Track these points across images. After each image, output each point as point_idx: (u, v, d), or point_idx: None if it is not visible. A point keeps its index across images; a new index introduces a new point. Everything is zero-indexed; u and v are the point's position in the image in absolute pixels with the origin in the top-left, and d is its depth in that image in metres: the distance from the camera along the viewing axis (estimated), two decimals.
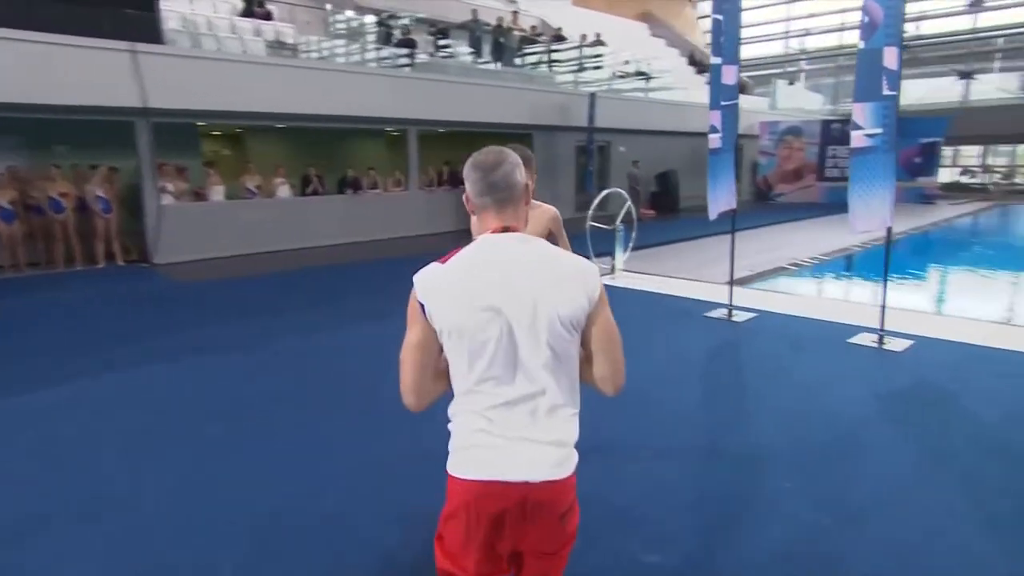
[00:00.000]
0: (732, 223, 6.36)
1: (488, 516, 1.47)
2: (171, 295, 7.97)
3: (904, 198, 19.98)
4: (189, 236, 10.43)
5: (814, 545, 2.74)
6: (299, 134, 13.29)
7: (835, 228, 13.78)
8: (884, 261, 5.48)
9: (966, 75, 23.08)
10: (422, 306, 1.47)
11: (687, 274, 8.76)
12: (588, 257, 7.99)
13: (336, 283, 8.60)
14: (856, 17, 5.35)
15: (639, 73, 20.11)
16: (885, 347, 5.30)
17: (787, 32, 29.13)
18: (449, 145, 15.30)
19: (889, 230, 5.20)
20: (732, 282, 6.60)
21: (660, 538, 2.77)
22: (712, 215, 6.19)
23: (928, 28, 25.73)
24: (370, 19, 15.34)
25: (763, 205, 20.36)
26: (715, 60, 5.86)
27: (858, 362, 5.06)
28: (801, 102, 26.13)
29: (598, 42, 18.82)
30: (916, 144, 19.01)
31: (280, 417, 4.14)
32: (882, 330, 5.41)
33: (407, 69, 13.79)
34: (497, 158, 1.54)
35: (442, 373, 1.57)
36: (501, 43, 16.05)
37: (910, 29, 26.05)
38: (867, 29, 4.70)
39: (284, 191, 12.03)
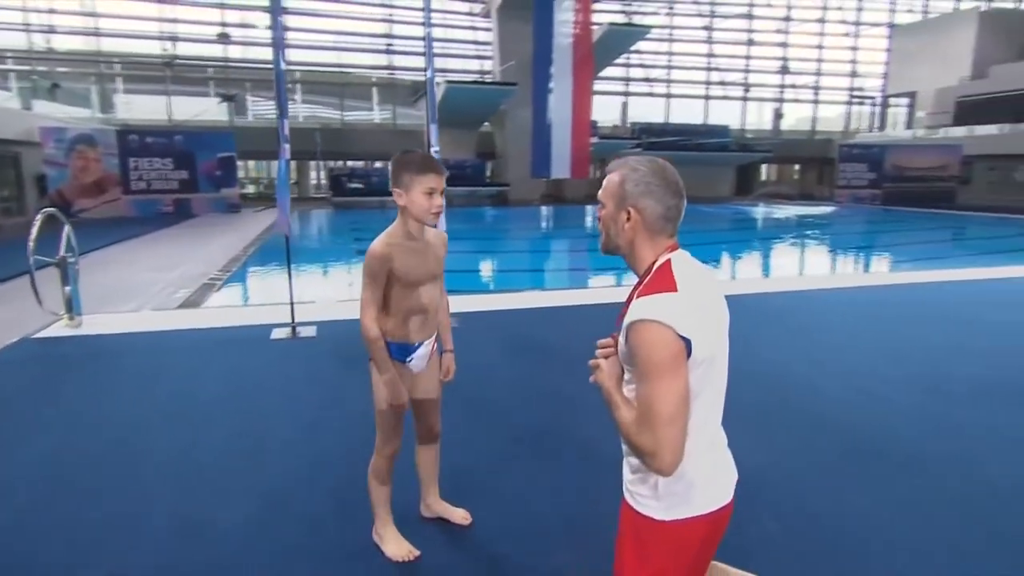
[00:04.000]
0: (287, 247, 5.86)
1: (714, 542, 1.50)
2: None
3: (214, 208, 20.73)
4: None
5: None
6: None
7: (202, 239, 13.61)
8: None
9: (228, 98, 25.75)
10: (687, 344, 1.31)
11: (144, 301, 7.34)
12: (39, 303, 5.59)
13: None
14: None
15: None
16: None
17: (29, 25, 24.74)
18: None
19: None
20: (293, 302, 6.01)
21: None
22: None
23: (184, 50, 26.99)
24: None
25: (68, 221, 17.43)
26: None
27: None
28: (62, 108, 23.27)
29: None
30: (215, 158, 20.21)
31: None
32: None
33: None
34: (679, 179, 1.46)
35: None
36: None
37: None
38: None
39: None
